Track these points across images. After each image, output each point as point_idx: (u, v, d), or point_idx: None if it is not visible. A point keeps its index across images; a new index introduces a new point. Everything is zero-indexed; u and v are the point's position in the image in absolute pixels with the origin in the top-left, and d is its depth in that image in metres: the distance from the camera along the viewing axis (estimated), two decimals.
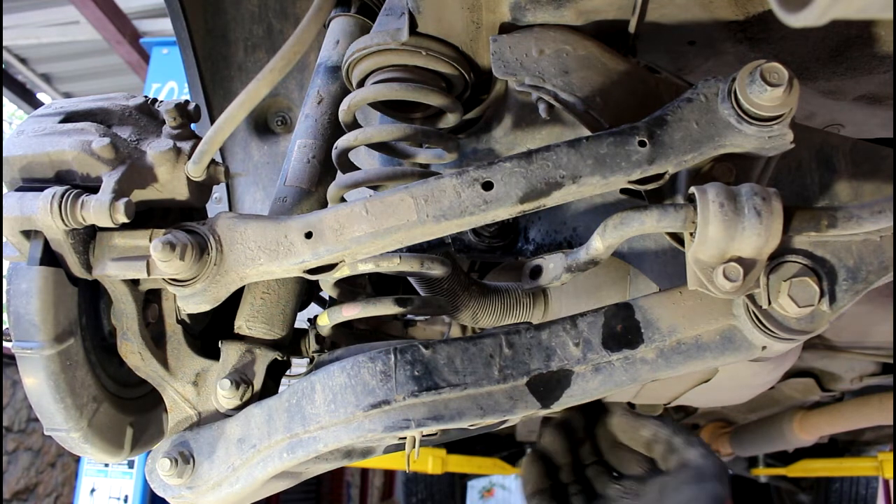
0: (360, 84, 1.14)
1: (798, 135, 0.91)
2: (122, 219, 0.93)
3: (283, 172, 1.16)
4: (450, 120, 1.17)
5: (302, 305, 1.20)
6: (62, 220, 0.92)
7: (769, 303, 0.90)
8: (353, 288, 1.21)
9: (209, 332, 1.19)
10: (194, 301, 0.97)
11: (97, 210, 0.92)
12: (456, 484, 5.20)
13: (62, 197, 0.92)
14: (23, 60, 6.89)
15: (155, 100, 1.09)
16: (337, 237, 0.92)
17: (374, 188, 1.10)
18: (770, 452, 4.17)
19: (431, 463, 4.16)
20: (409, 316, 1.29)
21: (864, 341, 2.15)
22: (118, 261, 0.98)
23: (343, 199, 1.08)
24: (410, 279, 1.27)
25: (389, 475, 10.24)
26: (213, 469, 1.01)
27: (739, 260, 0.88)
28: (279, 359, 1.10)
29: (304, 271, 0.95)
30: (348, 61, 1.12)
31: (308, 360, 1.22)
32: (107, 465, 4.47)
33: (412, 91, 1.07)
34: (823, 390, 2.69)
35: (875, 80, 1.26)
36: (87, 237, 0.99)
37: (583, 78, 1.03)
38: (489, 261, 1.42)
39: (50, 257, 0.97)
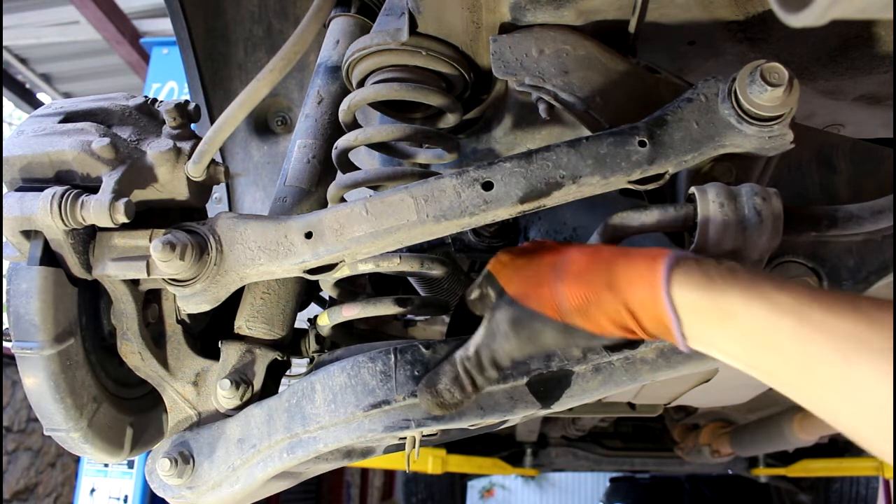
0: (360, 84, 1.14)
1: (798, 135, 0.91)
2: (122, 219, 0.93)
3: (283, 172, 1.16)
4: (450, 120, 1.17)
5: (302, 305, 1.20)
6: (62, 220, 0.92)
7: None
8: (353, 288, 1.21)
9: (209, 332, 1.18)
10: (194, 301, 0.97)
11: (97, 210, 0.92)
12: (456, 484, 5.20)
13: (62, 197, 0.92)
14: (23, 60, 6.88)
15: (155, 100, 1.09)
16: (337, 237, 0.92)
17: (374, 188, 1.10)
18: (770, 452, 4.17)
19: (431, 463, 4.15)
20: (409, 316, 1.29)
21: None
22: (118, 261, 0.98)
23: (343, 199, 1.08)
24: (410, 279, 1.27)
25: (389, 475, 10.23)
26: (213, 469, 1.01)
27: (740, 260, 0.88)
28: (279, 359, 1.10)
29: (304, 271, 0.95)
30: (348, 61, 1.12)
31: (308, 360, 1.22)
32: (107, 465, 4.47)
33: (412, 91, 1.07)
34: None
35: (875, 80, 1.26)
36: (87, 237, 0.99)
37: (583, 78, 1.03)
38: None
39: (50, 257, 0.97)
